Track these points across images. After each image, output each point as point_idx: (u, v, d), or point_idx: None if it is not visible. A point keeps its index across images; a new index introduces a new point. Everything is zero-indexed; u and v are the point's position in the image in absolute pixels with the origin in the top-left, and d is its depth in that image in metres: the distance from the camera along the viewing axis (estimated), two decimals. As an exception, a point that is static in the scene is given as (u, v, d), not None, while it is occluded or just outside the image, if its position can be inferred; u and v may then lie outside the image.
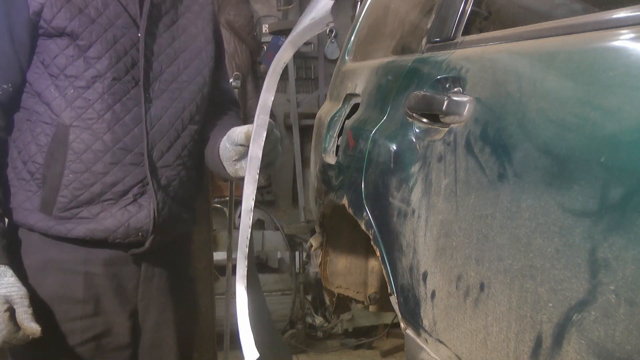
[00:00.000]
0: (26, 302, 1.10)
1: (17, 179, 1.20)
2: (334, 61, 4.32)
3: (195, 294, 1.49)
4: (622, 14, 0.84)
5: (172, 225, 1.28)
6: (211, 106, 1.37)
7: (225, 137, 1.25)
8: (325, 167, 1.89)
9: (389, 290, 1.37)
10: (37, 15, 1.14)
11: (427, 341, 1.19)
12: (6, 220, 1.22)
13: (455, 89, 1.15)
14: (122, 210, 1.20)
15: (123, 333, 1.27)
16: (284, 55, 1.03)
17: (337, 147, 1.84)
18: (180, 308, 1.36)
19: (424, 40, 1.44)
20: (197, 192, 1.39)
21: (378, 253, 1.43)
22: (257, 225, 3.94)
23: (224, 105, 1.45)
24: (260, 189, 3.72)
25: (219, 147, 1.26)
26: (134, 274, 1.28)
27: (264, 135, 1.05)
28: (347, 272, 2.08)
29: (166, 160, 1.25)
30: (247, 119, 4.33)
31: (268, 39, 4.50)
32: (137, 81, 1.20)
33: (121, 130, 1.18)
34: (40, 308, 1.18)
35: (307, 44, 4.71)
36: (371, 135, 1.50)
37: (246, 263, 1.05)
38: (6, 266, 1.12)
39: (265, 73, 1.08)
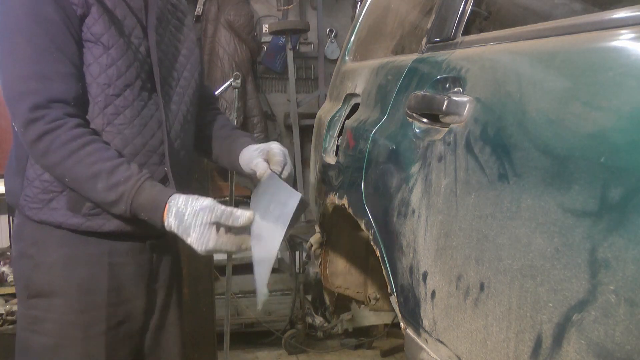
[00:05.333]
0: (221, 207, 1.13)
1: (39, 180, 1.23)
2: (334, 61, 4.32)
3: (182, 276, 1.63)
4: (622, 14, 0.85)
5: None
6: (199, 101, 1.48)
7: (242, 157, 1.38)
8: (325, 167, 1.89)
9: (389, 290, 1.37)
10: (82, 19, 1.19)
11: (427, 341, 1.19)
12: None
13: (455, 89, 1.15)
14: None
15: (139, 318, 1.36)
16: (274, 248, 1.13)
17: (337, 147, 1.84)
18: (179, 288, 1.49)
19: (424, 40, 1.44)
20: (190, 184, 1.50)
21: (378, 253, 1.43)
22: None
23: (207, 100, 1.56)
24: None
25: (238, 156, 1.39)
26: (148, 260, 1.36)
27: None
28: (347, 272, 2.08)
29: (178, 158, 1.34)
30: (246, 119, 4.33)
31: (268, 39, 4.51)
32: (155, 87, 1.28)
33: (148, 133, 1.27)
34: (67, 301, 1.25)
35: (307, 43, 4.72)
36: (371, 135, 1.50)
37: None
38: (178, 194, 1.16)
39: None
